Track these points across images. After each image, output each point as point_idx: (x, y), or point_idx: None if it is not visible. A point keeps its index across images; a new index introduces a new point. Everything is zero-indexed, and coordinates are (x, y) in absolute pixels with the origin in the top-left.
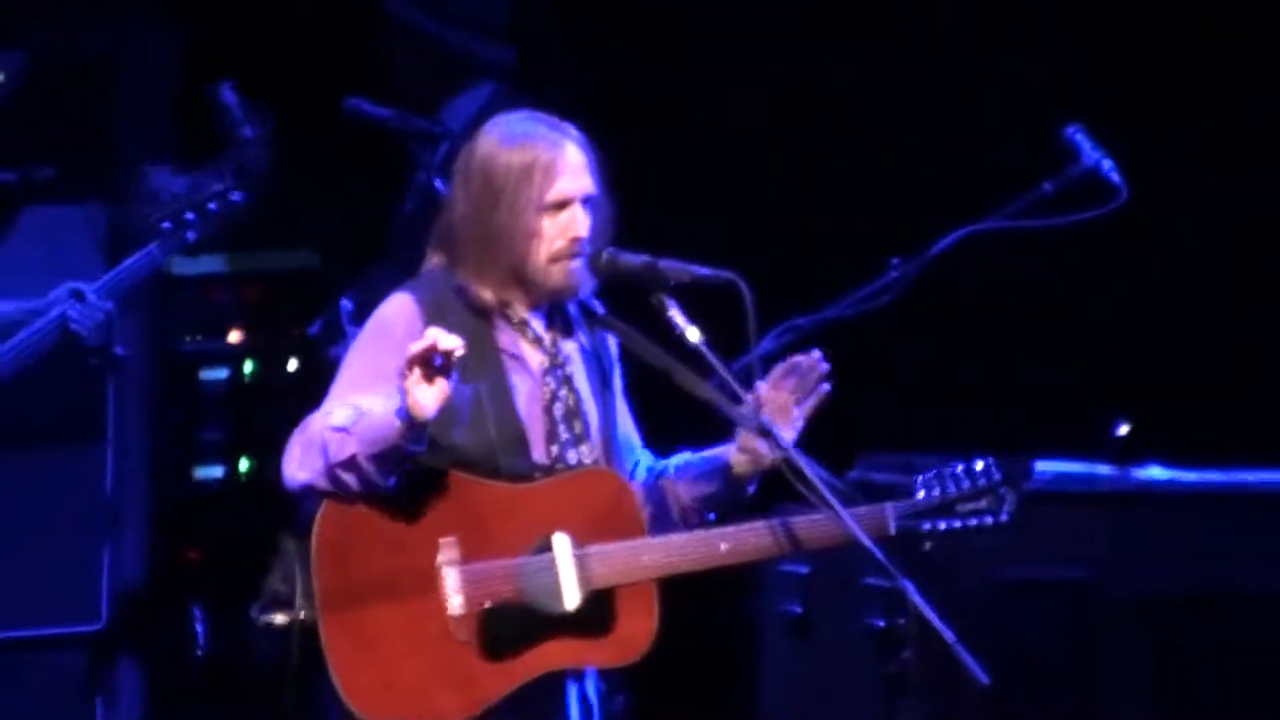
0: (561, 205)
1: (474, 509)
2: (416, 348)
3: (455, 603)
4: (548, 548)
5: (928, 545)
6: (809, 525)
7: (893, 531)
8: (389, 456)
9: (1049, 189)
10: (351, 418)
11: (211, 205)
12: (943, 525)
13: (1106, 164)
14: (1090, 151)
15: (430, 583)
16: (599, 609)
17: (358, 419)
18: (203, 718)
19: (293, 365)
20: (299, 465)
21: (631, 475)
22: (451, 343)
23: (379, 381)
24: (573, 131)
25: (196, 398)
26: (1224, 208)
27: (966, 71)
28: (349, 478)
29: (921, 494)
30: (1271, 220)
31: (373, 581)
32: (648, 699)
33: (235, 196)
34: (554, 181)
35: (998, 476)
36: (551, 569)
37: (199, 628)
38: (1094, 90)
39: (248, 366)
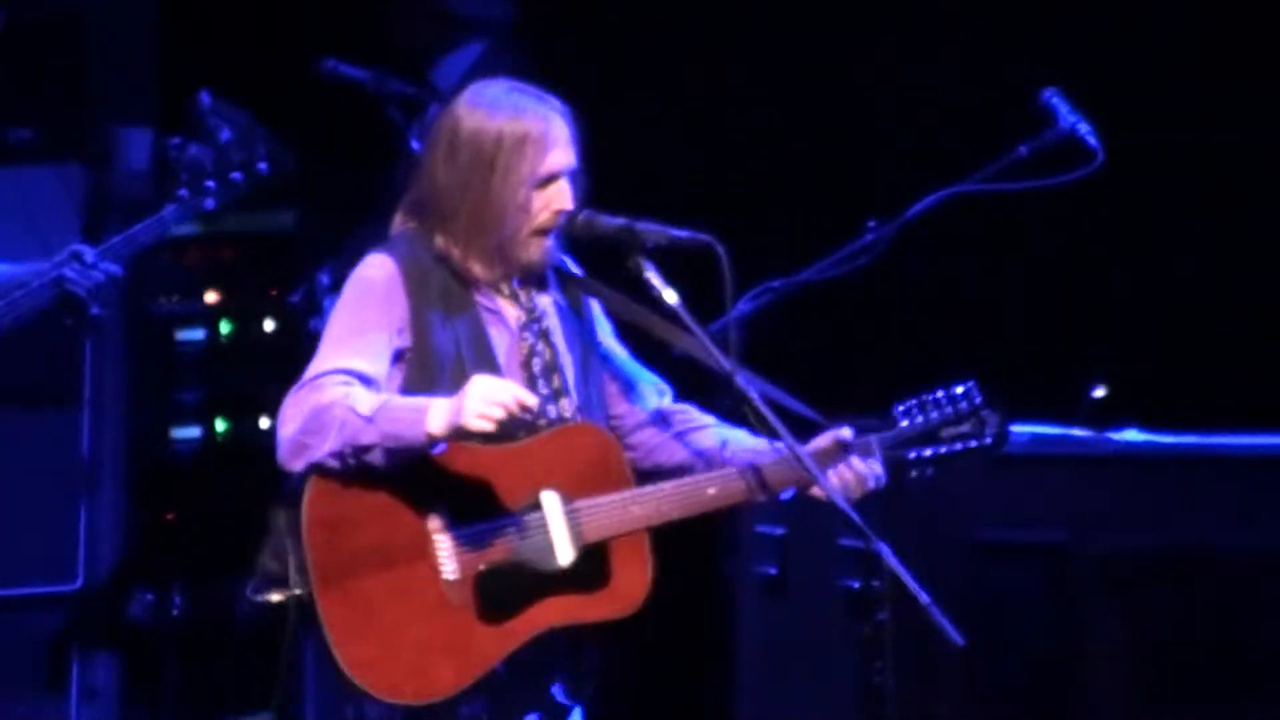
0: (551, 179)
1: (460, 472)
2: (502, 407)
3: (449, 568)
4: (537, 506)
5: (914, 473)
6: (791, 467)
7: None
8: (406, 453)
9: (1025, 152)
10: (374, 406)
11: (235, 174)
12: (929, 452)
13: (1083, 127)
14: (1067, 114)
15: (422, 550)
16: (593, 563)
17: (380, 408)
18: (178, 679)
19: (269, 326)
20: (304, 432)
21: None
22: (532, 402)
23: (366, 341)
24: (557, 104)
25: (173, 359)
26: (1202, 170)
27: (944, 32)
28: (354, 461)
29: (905, 423)
30: (1249, 183)
31: (366, 553)
32: (624, 660)
33: (261, 167)
34: (546, 155)
35: (979, 399)
36: (543, 527)
37: (174, 588)
38: (1071, 52)
39: (224, 327)
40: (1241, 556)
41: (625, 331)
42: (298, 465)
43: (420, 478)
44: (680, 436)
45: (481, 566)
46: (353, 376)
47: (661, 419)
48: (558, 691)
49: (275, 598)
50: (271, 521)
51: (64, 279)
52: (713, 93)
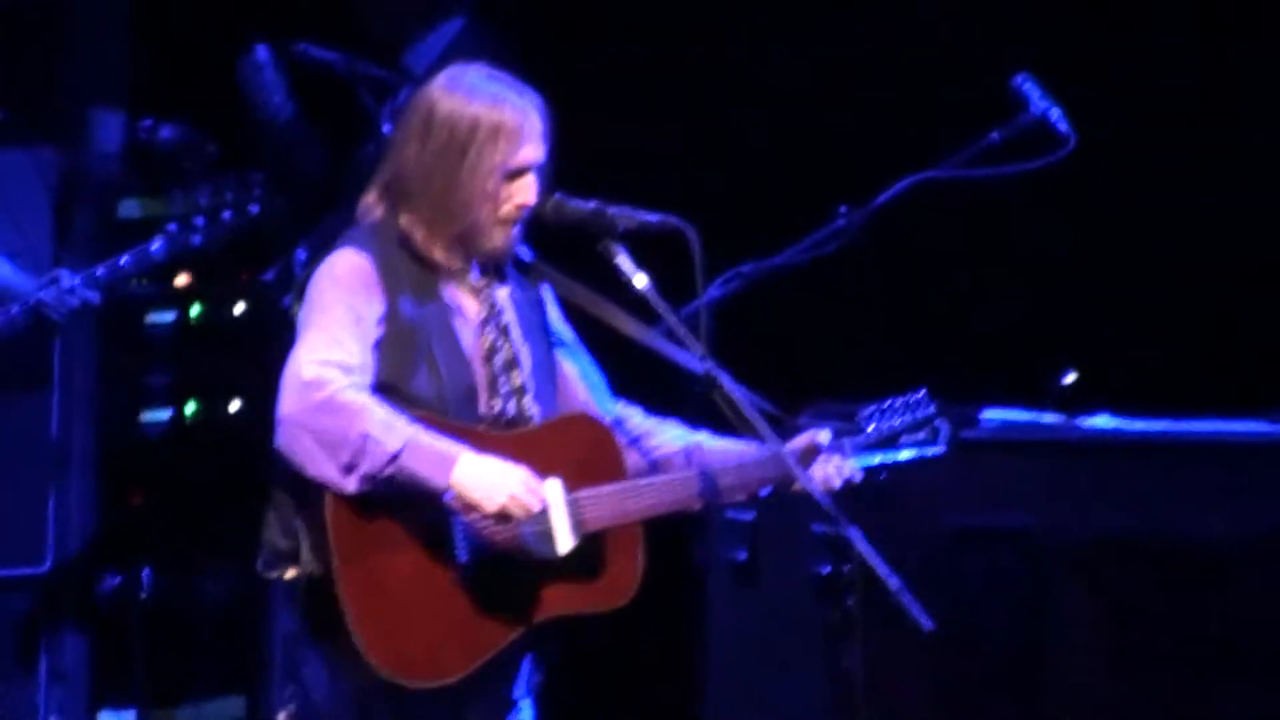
0: (520, 172)
1: None
2: (529, 507)
3: (460, 551)
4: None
5: (882, 476)
6: (766, 467)
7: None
8: (414, 492)
9: (997, 137)
10: (403, 440)
11: (225, 214)
12: (891, 458)
13: (1055, 112)
14: (1039, 100)
15: (437, 534)
16: (590, 554)
17: (409, 444)
18: (147, 662)
19: (239, 309)
20: (317, 441)
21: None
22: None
23: (353, 330)
24: (534, 96)
25: (143, 341)
26: (1171, 156)
27: (916, 16)
28: (364, 485)
29: (871, 426)
30: (1220, 170)
31: (385, 534)
32: (593, 645)
33: (253, 209)
34: (519, 148)
35: (932, 409)
36: (546, 515)
37: (144, 572)
38: (1044, 37)
39: (194, 310)
40: (1211, 542)
41: (588, 326)
42: (305, 468)
43: None
44: (639, 442)
45: (488, 552)
46: (350, 371)
47: (619, 424)
48: (514, 686)
49: (290, 574)
50: (275, 498)
51: (42, 304)
52: (684, 77)
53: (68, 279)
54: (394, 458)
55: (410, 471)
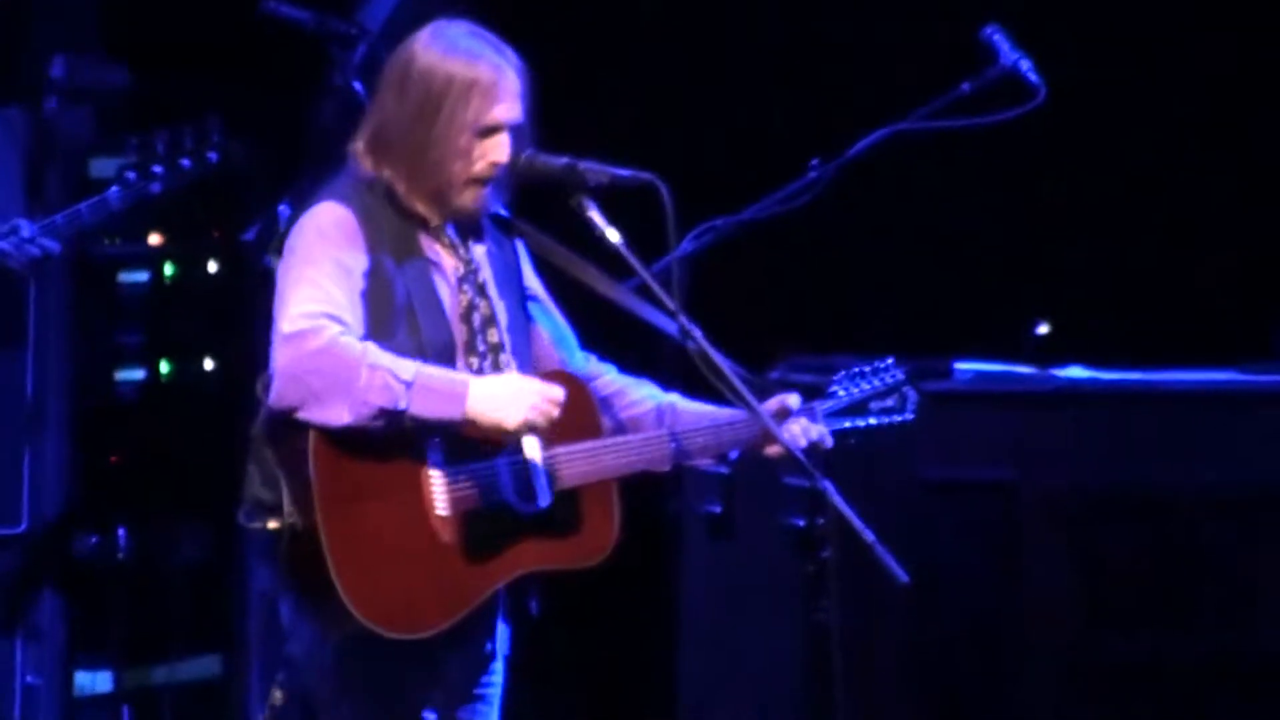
0: (492, 130)
1: None
2: (550, 413)
3: (440, 504)
4: (519, 449)
5: (852, 441)
6: (744, 424)
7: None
8: (432, 426)
9: (967, 89)
10: (410, 373)
11: (184, 161)
12: (861, 423)
13: (1025, 64)
14: (1008, 51)
15: (417, 485)
16: (566, 511)
17: (418, 376)
18: (124, 621)
19: (213, 268)
20: (323, 382)
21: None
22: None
23: (341, 284)
24: (513, 56)
25: (116, 301)
26: (1144, 107)
27: None
28: (377, 422)
29: (842, 392)
30: (1192, 120)
31: (366, 484)
32: (567, 598)
33: (211, 156)
34: (492, 106)
35: (900, 376)
36: (523, 470)
37: (119, 531)
38: None
39: (168, 269)
40: (1185, 493)
41: (560, 282)
42: (303, 412)
43: None
44: (611, 401)
45: (467, 505)
46: (341, 321)
47: (589, 382)
48: (492, 641)
49: (272, 525)
50: (256, 451)
51: (1, 254)
52: (654, 31)
53: (27, 229)
54: (408, 387)
55: (424, 402)
